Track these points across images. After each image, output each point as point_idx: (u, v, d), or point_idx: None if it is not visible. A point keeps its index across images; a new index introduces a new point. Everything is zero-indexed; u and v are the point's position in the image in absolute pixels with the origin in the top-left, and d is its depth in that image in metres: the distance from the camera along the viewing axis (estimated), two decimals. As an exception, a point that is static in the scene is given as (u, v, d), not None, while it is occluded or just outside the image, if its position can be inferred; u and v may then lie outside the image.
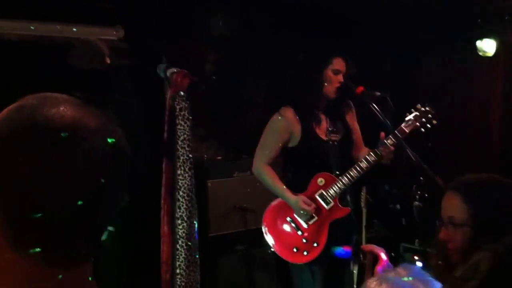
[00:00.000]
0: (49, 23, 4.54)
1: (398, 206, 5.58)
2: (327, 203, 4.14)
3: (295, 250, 4.11)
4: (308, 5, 4.97)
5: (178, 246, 3.48)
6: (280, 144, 4.16)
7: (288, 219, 4.15)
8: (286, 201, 4.14)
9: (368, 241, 4.79)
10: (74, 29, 4.59)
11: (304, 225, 4.12)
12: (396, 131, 4.00)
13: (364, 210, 4.57)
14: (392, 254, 5.18)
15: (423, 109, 4.08)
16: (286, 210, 4.16)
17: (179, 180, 3.45)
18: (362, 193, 4.47)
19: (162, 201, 3.49)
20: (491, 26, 5.61)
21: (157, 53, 4.65)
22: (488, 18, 5.62)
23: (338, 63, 4.16)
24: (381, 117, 3.99)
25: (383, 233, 5.80)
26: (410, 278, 1.38)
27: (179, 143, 3.44)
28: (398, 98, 4.09)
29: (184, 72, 3.44)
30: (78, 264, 1.06)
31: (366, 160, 4.04)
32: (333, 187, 4.11)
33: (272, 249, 4.23)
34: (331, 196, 4.12)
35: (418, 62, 6.50)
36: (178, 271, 3.51)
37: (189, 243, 3.50)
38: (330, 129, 4.22)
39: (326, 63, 4.16)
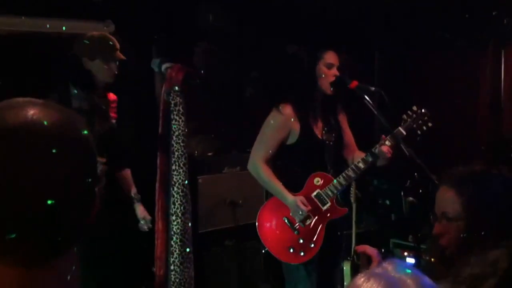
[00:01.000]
0: (38, 18, 4.48)
1: (387, 202, 5.59)
2: (323, 204, 4.12)
3: (291, 250, 4.08)
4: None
5: (172, 242, 3.46)
6: (279, 142, 4.11)
7: (284, 218, 4.11)
8: (283, 200, 4.09)
9: (358, 237, 4.81)
10: (64, 24, 4.55)
11: (301, 225, 4.10)
12: (394, 133, 3.99)
13: (354, 206, 4.58)
14: (382, 250, 5.18)
15: (419, 111, 4.09)
16: (282, 209, 4.11)
17: (173, 176, 3.43)
18: (351, 189, 4.47)
19: (157, 197, 3.48)
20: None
21: (148, 47, 4.62)
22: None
23: (331, 57, 4.14)
24: (375, 112, 3.98)
25: (373, 228, 5.80)
26: (399, 273, 1.36)
27: (174, 138, 3.42)
28: (386, 94, 4.08)
29: (179, 66, 3.42)
30: (51, 262, 1.07)
31: (364, 161, 4.04)
32: (330, 187, 4.10)
33: (266, 249, 4.21)
34: (328, 196, 4.11)
35: (406, 58, 6.50)
36: (172, 267, 3.50)
37: (184, 239, 3.48)
38: (326, 128, 4.21)
39: (317, 57, 4.14)
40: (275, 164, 4.25)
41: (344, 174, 4.09)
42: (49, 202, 0.99)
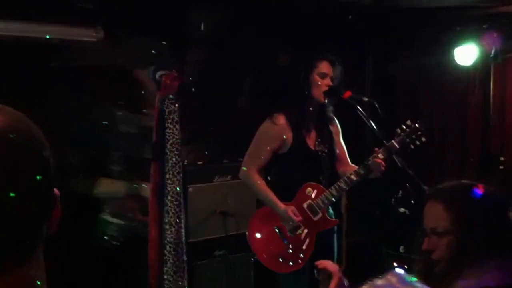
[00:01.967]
0: (27, 23, 4.44)
1: (378, 212, 5.59)
2: (314, 214, 4.11)
3: (280, 259, 4.07)
4: (294, 9, 4.96)
5: (166, 252, 3.44)
6: (272, 151, 4.11)
7: (275, 228, 4.10)
8: (275, 209, 4.08)
9: (349, 247, 4.82)
10: (52, 30, 4.51)
11: (291, 235, 4.08)
12: (387, 146, 4.00)
13: (345, 216, 4.59)
14: (374, 259, 5.19)
15: (413, 125, 4.10)
16: (272, 218, 4.10)
17: (167, 185, 3.41)
18: (342, 199, 4.48)
19: (150, 205, 3.45)
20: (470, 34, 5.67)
21: (138, 54, 4.58)
22: (467, 25, 5.68)
23: (324, 66, 4.14)
24: (367, 122, 3.99)
25: (364, 238, 5.79)
26: (404, 285, 1.36)
27: (168, 146, 3.41)
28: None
29: (174, 74, 3.41)
30: (15, 270, 1.05)
31: (356, 173, 4.04)
32: (322, 198, 4.09)
33: (256, 257, 4.19)
34: (320, 207, 4.10)
35: (396, 69, 6.53)
36: (165, 276, 3.47)
37: (177, 248, 3.46)
38: (319, 139, 4.21)
39: (311, 67, 4.14)
40: (267, 173, 4.25)
41: (336, 186, 4.09)
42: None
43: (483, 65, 5.85)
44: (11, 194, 0.99)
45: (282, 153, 4.13)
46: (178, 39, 4.56)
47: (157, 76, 3.42)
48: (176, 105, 3.41)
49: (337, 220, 4.26)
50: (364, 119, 3.98)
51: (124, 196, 4.03)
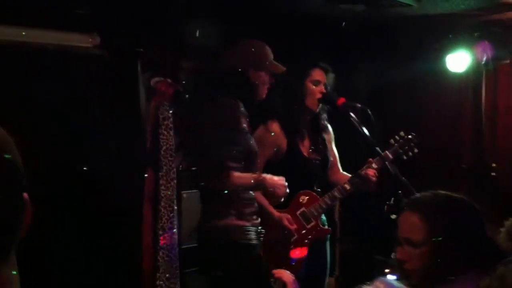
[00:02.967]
0: (23, 29, 4.44)
1: (370, 219, 5.59)
2: (308, 222, 4.12)
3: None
4: (287, 16, 4.98)
5: (159, 258, 3.43)
6: (265, 158, 4.10)
7: (268, 235, 4.10)
8: (268, 217, 4.07)
9: (342, 254, 4.82)
10: (48, 36, 4.51)
11: (284, 243, 4.09)
12: (381, 156, 4.02)
13: (338, 224, 4.60)
14: (367, 266, 5.20)
15: (406, 137, 4.14)
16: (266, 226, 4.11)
17: (161, 191, 3.41)
18: (335, 207, 4.50)
19: (144, 213, 3.45)
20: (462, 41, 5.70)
21: (134, 61, 4.59)
22: (459, 33, 5.71)
23: (317, 74, 4.17)
24: (360, 129, 4.00)
25: (356, 246, 5.80)
26: None
27: (162, 153, 3.40)
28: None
29: (168, 81, 3.41)
30: None
31: (350, 182, 4.07)
32: (316, 207, 4.11)
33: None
34: (313, 215, 4.11)
35: (387, 76, 6.54)
36: (158, 282, 3.47)
37: (170, 255, 3.46)
38: (312, 147, 4.22)
39: (305, 74, 4.17)
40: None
41: (330, 194, 4.11)
42: None
43: (475, 72, 5.87)
44: None
45: (276, 161, 4.14)
46: (173, 46, 4.58)
47: (152, 82, 3.43)
48: (170, 111, 3.40)
49: (330, 229, 4.27)
50: (357, 126, 4.00)
51: None
